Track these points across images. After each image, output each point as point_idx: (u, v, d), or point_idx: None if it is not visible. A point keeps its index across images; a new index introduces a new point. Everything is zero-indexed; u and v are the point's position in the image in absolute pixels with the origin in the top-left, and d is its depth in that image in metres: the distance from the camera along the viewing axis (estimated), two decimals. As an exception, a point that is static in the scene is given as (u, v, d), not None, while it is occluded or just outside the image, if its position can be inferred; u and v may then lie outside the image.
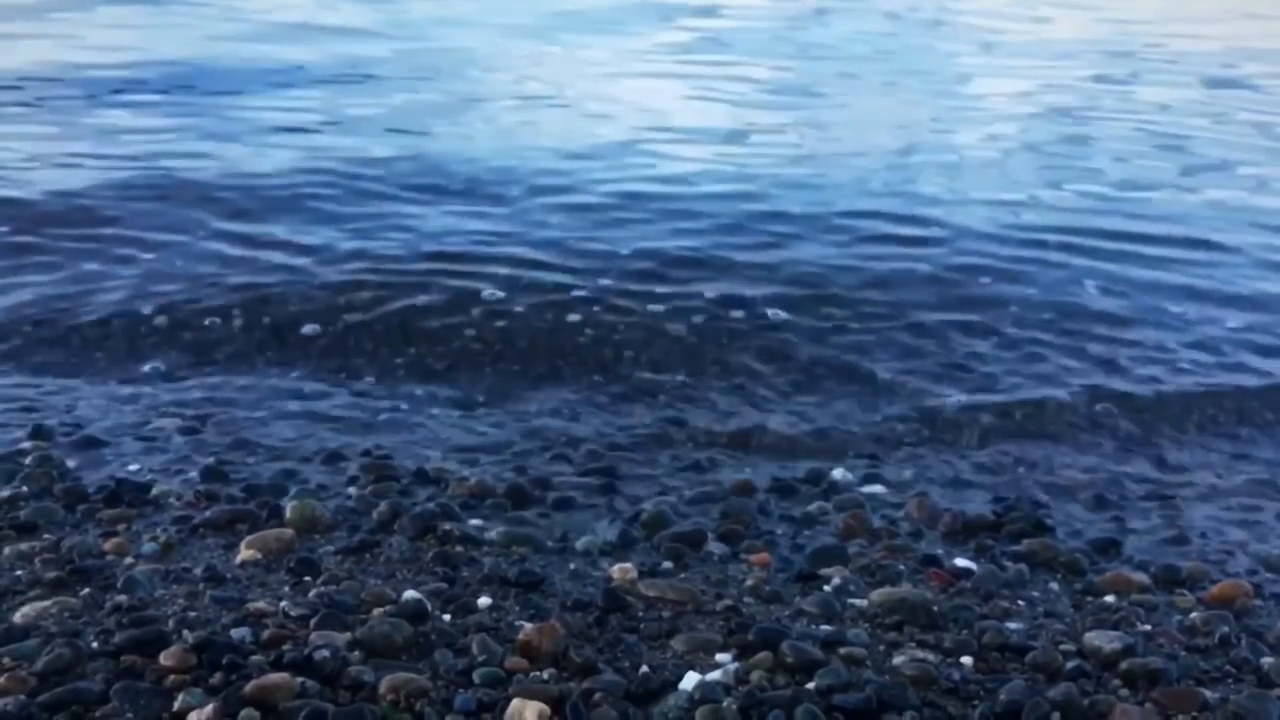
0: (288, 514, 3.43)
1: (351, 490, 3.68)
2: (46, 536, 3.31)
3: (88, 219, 6.05)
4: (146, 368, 4.68)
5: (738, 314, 5.12)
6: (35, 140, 7.43)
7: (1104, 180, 7.34)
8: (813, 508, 3.65)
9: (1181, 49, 12.31)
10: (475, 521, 3.47)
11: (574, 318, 5.04)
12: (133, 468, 3.84)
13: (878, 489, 3.84)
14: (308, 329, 4.97)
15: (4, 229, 5.91)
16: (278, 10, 12.40)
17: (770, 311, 5.14)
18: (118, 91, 8.70)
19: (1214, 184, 7.40)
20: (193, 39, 10.71)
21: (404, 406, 4.40)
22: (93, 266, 5.52)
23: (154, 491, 3.62)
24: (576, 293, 5.23)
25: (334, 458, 3.94)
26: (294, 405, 4.36)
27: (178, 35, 10.89)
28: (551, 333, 4.94)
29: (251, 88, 8.93)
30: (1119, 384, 4.62)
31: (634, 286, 5.30)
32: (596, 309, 5.10)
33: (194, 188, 6.51)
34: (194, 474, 3.79)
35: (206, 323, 4.99)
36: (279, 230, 5.94)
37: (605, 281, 5.34)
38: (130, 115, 8.10)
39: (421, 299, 5.18)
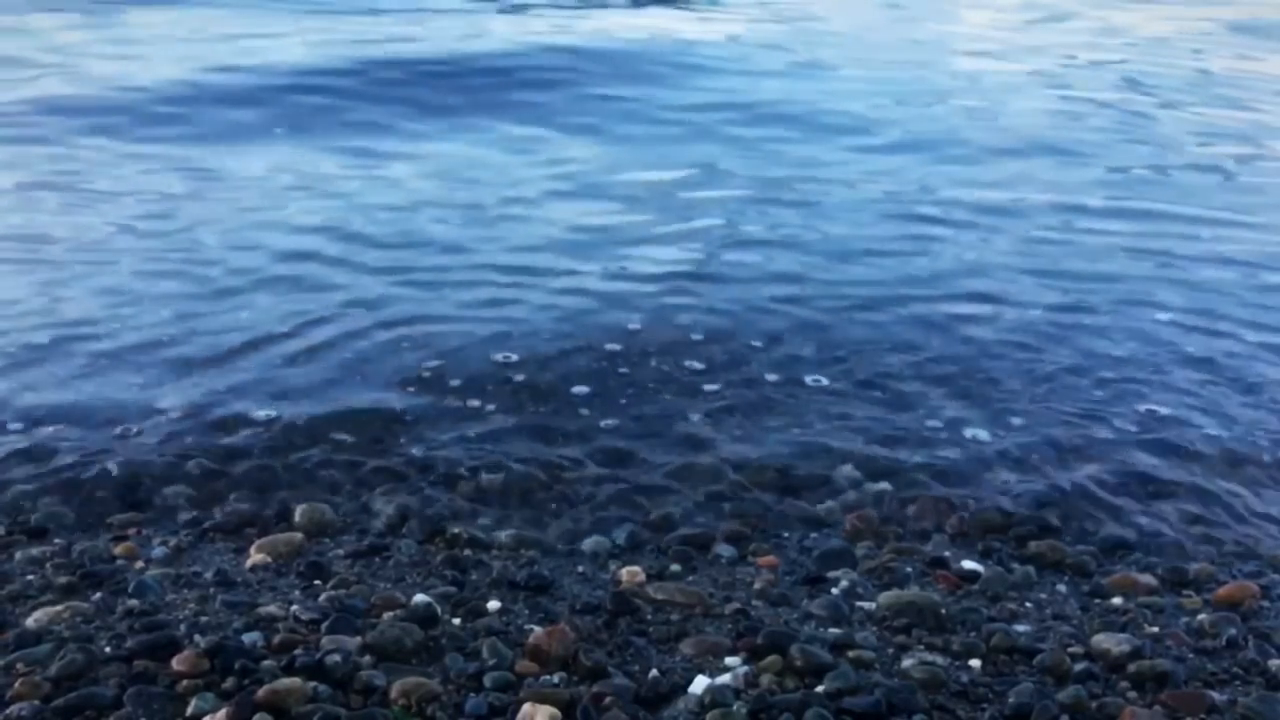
0: (297, 517, 3.45)
1: (360, 493, 3.69)
2: (57, 541, 3.33)
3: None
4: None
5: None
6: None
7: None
8: (820, 509, 3.65)
9: None
10: (483, 523, 3.48)
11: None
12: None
13: (885, 488, 3.85)
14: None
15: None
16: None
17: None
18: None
19: None
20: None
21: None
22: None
23: (162, 494, 3.63)
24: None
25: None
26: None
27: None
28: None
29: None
30: (1121, 382, 4.62)
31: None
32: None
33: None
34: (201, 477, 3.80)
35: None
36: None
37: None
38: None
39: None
